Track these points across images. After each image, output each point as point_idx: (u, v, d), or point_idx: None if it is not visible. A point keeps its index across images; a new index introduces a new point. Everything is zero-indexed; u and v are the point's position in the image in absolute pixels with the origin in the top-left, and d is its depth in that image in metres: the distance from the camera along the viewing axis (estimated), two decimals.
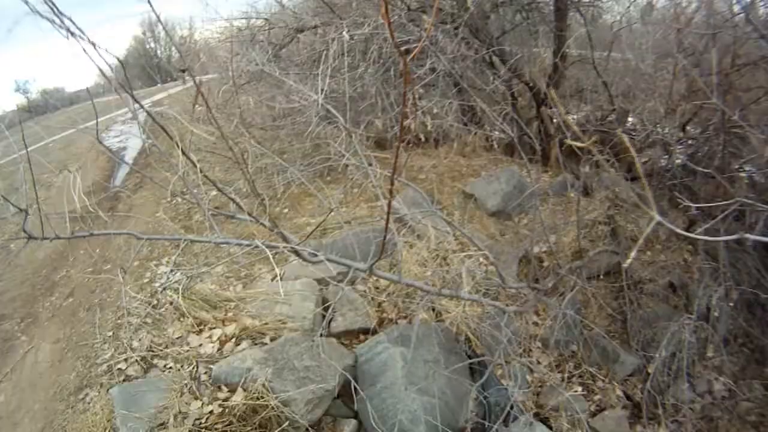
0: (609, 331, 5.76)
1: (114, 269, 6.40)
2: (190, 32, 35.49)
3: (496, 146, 8.47)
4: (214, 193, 7.51)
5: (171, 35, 36.19)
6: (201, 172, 3.19)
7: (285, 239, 3.37)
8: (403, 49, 6.51)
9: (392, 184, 2.45)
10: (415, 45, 6.72)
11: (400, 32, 7.09)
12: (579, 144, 2.31)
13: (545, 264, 6.21)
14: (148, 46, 36.27)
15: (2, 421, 5.00)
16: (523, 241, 6.48)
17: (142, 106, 2.79)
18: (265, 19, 9.35)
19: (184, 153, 2.79)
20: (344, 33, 6.48)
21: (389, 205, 2.64)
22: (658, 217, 1.91)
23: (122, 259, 6.60)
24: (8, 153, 16.88)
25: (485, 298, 4.95)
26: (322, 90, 4.44)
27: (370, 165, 4.18)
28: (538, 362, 5.24)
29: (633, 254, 2.30)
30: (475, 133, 8.31)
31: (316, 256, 3.53)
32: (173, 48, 36.66)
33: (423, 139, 8.09)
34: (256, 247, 2.94)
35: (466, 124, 8.22)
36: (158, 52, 36.74)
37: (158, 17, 3.17)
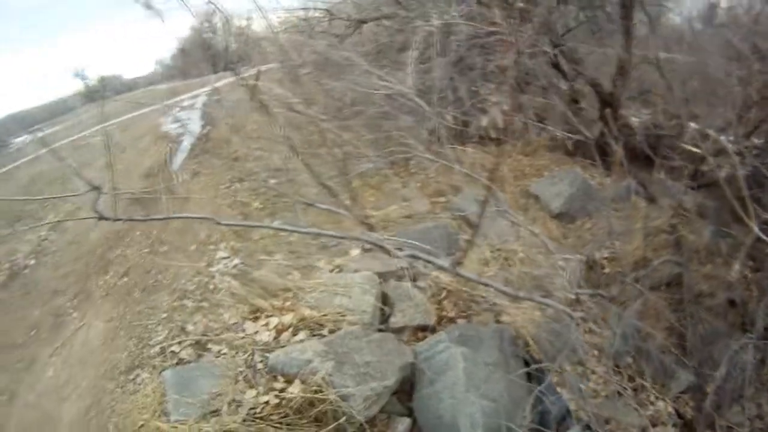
0: (666, 345, 5.56)
1: (171, 251, 6.42)
2: (248, 22, 36.19)
3: (560, 146, 8.25)
4: (274, 181, 7.49)
5: (228, 26, 36.99)
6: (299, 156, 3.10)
7: (370, 229, 3.26)
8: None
9: (492, 180, 2.28)
10: (485, 39, 6.57)
11: (467, 25, 6.93)
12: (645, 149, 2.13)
13: (606, 270, 6.04)
14: (205, 36, 36.93)
15: (50, 395, 5.05)
16: (586, 246, 6.30)
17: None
18: (326, 10, 9.31)
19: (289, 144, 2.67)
20: (418, 23, 6.35)
21: (485, 203, 2.47)
22: (757, 231, 1.70)
23: (179, 242, 6.61)
24: (70, 135, 17.49)
25: (554, 302, 4.79)
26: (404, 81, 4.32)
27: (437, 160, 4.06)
28: (593, 372, 5.05)
29: (737, 267, 2.08)
30: (540, 133, 8.11)
31: (400, 250, 3.40)
32: (231, 38, 37.34)
33: (494, 136, 7.93)
34: (342, 237, 2.82)
35: (530, 123, 8.03)
36: (216, 42, 37.38)
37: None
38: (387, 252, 3.43)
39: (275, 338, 4.62)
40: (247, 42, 33.53)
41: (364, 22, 8.64)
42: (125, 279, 6.31)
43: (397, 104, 5.65)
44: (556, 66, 8.15)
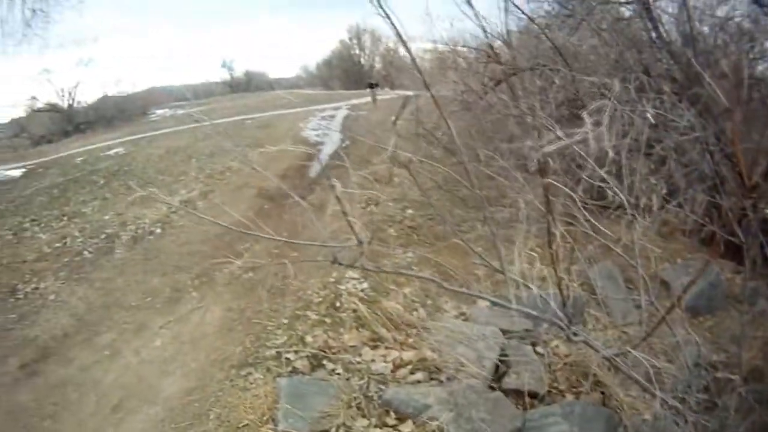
0: None
1: (300, 257, 6.54)
2: (396, 46, 37.35)
3: (696, 231, 7.83)
4: (410, 211, 7.48)
5: (375, 45, 38.30)
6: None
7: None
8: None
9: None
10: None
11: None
12: None
13: (718, 374, 5.63)
14: (352, 52, 38.41)
15: (153, 364, 5.19)
16: (704, 346, 5.93)
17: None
18: (484, 50, 9.32)
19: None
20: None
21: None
22: None
23: (311, 250, 6.73)
24: (210, 118, 18.51)
25: (674, 400, 4.48)
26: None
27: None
28: None
29: None
30: (677, 215, 7.73)
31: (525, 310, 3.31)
32: (377, 58, 38.62)
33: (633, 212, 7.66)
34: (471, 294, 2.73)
35: (668, 202, 7.66)
36: (362, 59, 38.74)
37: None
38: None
39: (392, 371, 4.61)
40: (393, 65, 34.66)
41: (521, 69, 8.56)
42: (251, 274, 6.45)
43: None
44: (707, 149, 7.77)
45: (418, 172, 8.51)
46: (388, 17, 2.66)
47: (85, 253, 8.32)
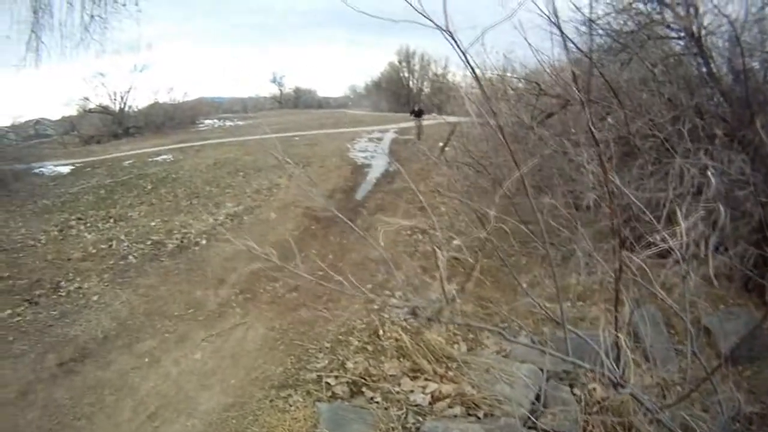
0: None
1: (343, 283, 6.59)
2: (445, 71, 37.55)
3: (741, 277, 7.64)
4: (456, 242, 7.46)
5: (424, 70, 38.60)
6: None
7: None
8: None
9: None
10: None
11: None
12: None
13: (753, 427, 5.47)
14: (401, 75, 38.75)
15: (192, 376, 5.24)
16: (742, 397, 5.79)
17: None
18: (536, 83, 9.31)
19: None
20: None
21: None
22: None
23: (355, 276, 6.78)
24: (255, 132, 18.82)
25: None
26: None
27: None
28: None
29: None
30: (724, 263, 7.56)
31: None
32: (425, 82, 38.95)
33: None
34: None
35: (716, 249, 7.48)
36: (410, 82, 39.05)
37: None
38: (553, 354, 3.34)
39: (430, 404, 4.62)
40: (442, 91, 34.86)
41: (572, 104, 8.49)
42: (294, 294, 6.52)
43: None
44: (756, 197, 7.60)
45: (465, 201, 8.57)
46: (454, 40, 2.70)
47: (131, 257, 8.47)
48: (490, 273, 6.40)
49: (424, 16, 2.52)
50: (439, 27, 2.57)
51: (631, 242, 6.10)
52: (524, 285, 5.35)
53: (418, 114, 18.19)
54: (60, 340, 6.45)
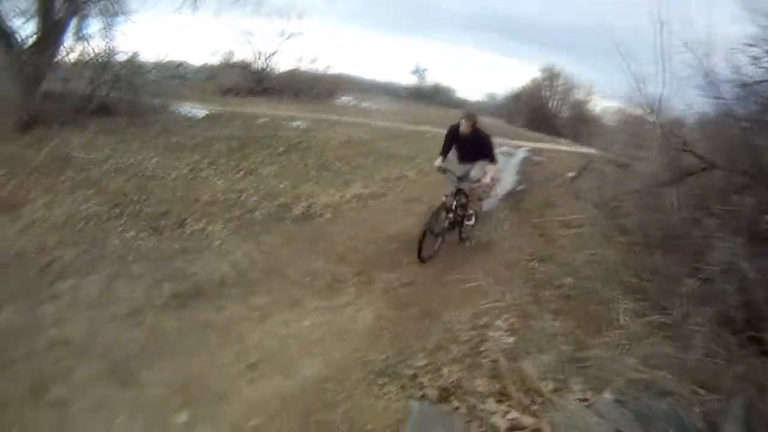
0: None
1: (452, 294, 6.76)
2: (586, 98, 36.57)
3: None
4: (570, 280, 7.41)
5: (567, 93, 37.72)
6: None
7: None
8: None
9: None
10: None
11: None
12: None
13: None
14: (543, 93, 38.05)
15: (297, 342, 5.57)
16: None
17: None
18: (683, 138, 8.88)
19: None
20: None
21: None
22: None
23: (462, 298, 6.92)
24: (385, 119, 19.16)
25: None
26: None
27: None
28: None
29: None
30: None
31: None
32: (564, 106, 38.11)
33: None
34: None
35: None
36: (550, 103, 38.28)
37: None
38: None
39: (507, 430, 4.70)
40: (579, 117, 34.06)
41: (717, 167, 7.97)
42: (408, 289, 6.79)
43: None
44: None
45: (586, 242, 8.54)
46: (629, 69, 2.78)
47: (257, 213, 8.99)
48: (594, 319, 6.35)
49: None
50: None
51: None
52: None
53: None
54: (178, 273, 6.95)
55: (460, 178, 8.47)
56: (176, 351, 5.39)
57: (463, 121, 8.44)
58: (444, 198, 8.36)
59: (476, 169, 8.51)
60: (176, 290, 6.52)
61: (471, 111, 9.29)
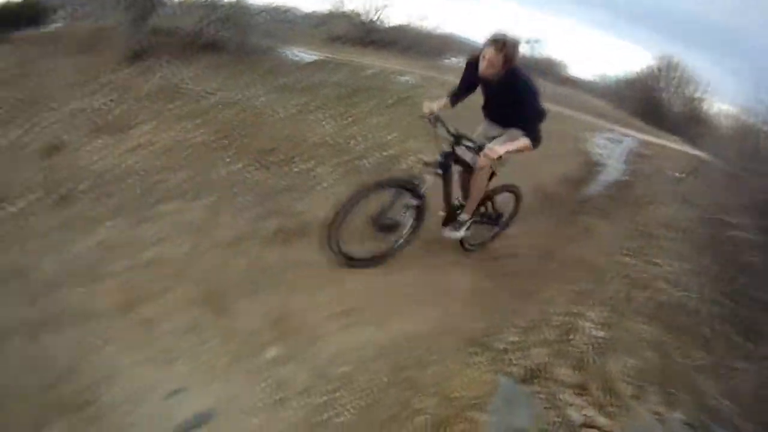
0: None
1: (552, 277, 6.77)
2: (702, 95, 34.75)
3: None
4: (664, 285, 7.23)
5: (681, 89, 35.96)
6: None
7: None
8: None
9: None
10: None
11: None
12: None
13: None
14: (657, 84, 36.39)
15: (396, 295, 5.79)
16: None
17: None
18: None
19: None
20: None
21: None
22: None
23: (564, 271, 6.97)
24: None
25: None
26: None
27: None
28: None
29: None
30: None
31: None
32: (678, 101, 36.43)
33: None
34: None
35: None
36: (663, 95, 36.64)
37: None
38: None
39: (580, 426, 4.69)
40: (692, 116, 32.49)
41: None
42: (512, 260, 7.01)
43: None
44: None
45: (686, 249, 8.24)
46: None
47: (365, 162, 9.09)
48: (676, 327, 6.23)
49: None
50: None
51: None
52: None
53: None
54: (284, 209, 7.19)
55: (458, 138, 5.88)
56: (275, 286, 5.62)
57: (488, 51, 5.17)
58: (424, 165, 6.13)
59: (502, 140, 5.77)
60: (281, 226, 6.78)
61: (503, 36, 5.13)
